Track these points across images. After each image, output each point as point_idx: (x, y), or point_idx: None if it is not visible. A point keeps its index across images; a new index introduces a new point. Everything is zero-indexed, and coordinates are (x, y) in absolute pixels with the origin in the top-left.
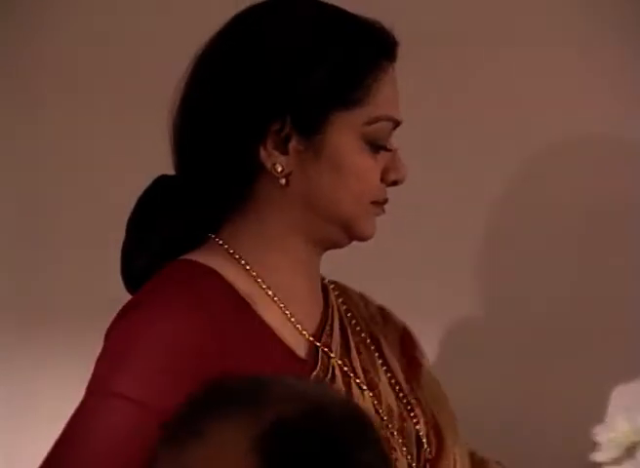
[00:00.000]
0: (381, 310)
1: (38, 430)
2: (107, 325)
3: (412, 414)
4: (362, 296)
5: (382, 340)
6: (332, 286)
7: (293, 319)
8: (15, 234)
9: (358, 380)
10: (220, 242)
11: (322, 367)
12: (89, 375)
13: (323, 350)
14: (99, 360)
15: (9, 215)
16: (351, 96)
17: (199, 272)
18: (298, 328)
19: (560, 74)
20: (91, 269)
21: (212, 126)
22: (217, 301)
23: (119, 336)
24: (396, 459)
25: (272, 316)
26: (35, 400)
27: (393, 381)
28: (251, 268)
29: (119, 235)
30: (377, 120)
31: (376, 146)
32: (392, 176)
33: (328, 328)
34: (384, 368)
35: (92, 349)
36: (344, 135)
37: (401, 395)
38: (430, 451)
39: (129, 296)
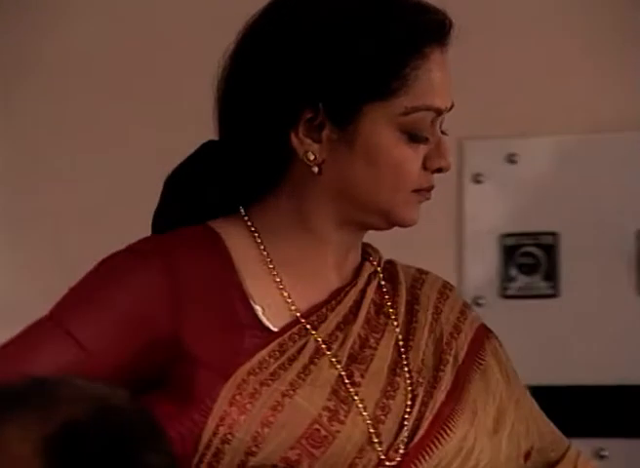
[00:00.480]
0: (463, 306)
1: None
2: None
3: (410, 397)
4: (444, 287)
5: (422, 328)
6: (378, 267)
7: (285, 293)
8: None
9: (334, 359)
10: (243, 213)
11: (292, 337)
12: None
13: (305, 326)
14: (77, 284)
15: None
16: (385, 86)
17: (200, 233)
18: (287, 301)
19: (563, 72)
20: None
21: (247, 108)
22: (196, 261)
23: (95, 272)
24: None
25: (260, 286)
26: None
27: (406, 362)
28: (262, 241)
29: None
30: (414, 110)
31: (414, 136)
32: (436, 164)
33: (334, 302)
34: (402, 350)
35: None
36: (379, 125)
37: (407, 376)
38: (411, 437)
39: None
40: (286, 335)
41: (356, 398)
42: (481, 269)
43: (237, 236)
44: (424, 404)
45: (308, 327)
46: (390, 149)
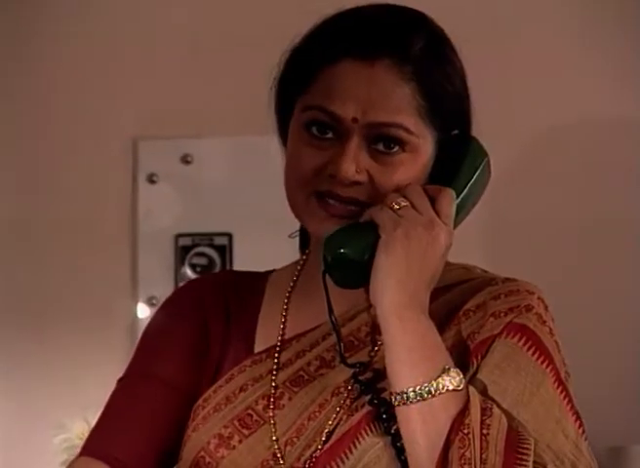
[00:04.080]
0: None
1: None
2: None
3: (337, 417)
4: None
5: None
6: None
7: (284, 313)
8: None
9: (273, 383)
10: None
11: (255, 360)
12: None
13: (275, 351)
14: (140, 341)
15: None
16: (301, 83)
17: (248, 278)
18: (282, 321)
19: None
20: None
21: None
22: (223, 301)
23: (149, 326)
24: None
25: (270, 312)
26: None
27: (354, 380)
28: (299, 273)
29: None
30: (308, 108)
31: (311, 134)
32: (329, 169)
33: (314, 328)
34: (358, 370)
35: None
36: (293, 121)
37: (345, 395)
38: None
39: None
40: (248, 360)
41: (272, 422)
42: (155, 269)
43: (284, 276)
44: (344, 423)
45: (277, 355)
46: (292, 144)
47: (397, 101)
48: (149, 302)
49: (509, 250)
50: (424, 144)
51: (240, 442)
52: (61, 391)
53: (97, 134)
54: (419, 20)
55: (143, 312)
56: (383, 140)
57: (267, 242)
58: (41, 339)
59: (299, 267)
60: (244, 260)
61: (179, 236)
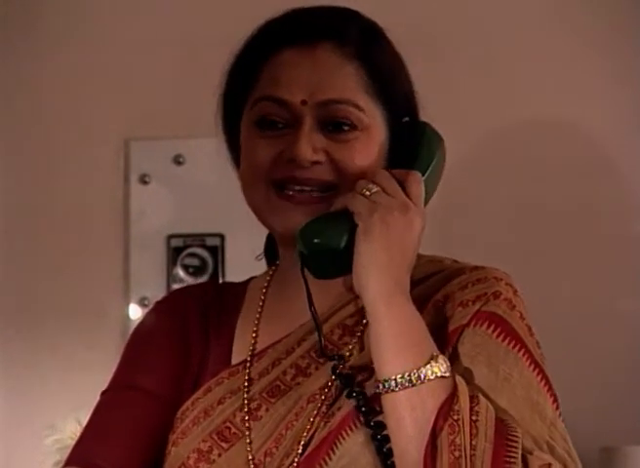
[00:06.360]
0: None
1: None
2: None
3: (312, 425)
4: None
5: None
6: None
7: (255, 328)
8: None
9: (246, 395)
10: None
11: (231, 372)
12: None
13: (247, 363)
14: (122, 354)
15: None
16: (247, 85)
17: (229, 288)
18: (253, 337)
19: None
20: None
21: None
22: (203, 313)
23: (130, 338)
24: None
25: (249, 319)
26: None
27: (330, 386)
28: (269, 282)
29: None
30: (256, 102)
31: (260, 125)
32: (286, 154)
33: (286, 337)
34: (334, 375)
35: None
36: (245, 119)
37: (319, 404)
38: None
39: None
40: (225, 372)
41: (247, 433)
42: (148, 270)
43: (259, 284)
44: (321, 429)
45: (247, 365)
46: (245, 141)
47: (343, 79)
48: (141, 303)
49: (464, 237)
50: (376, 123)
51: (219, 455)
52: (53, 391)
53: (88, 134)
54: (354, 13)
55: (135, 313)
56: (334, 123)
57: (259, 243)
58: (33, 340)
59: (268, 277)
60: (236, 261)
61: (171, 237)
